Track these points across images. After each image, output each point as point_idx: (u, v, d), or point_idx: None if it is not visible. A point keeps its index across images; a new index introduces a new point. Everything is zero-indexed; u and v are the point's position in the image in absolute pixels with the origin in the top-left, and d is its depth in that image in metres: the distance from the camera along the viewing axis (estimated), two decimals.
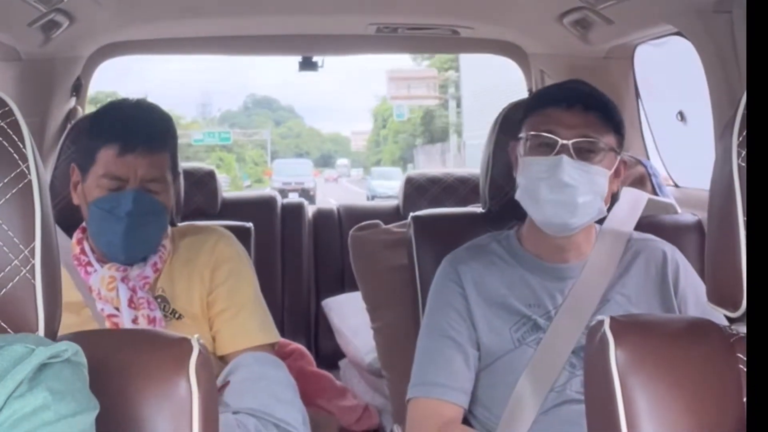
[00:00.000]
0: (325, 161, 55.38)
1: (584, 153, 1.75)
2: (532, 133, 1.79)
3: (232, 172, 36.20)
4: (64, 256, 1.73)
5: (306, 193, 27.06)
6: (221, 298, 1.88)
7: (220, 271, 1.89)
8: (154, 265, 1.86)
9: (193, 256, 1.90)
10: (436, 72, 32.57)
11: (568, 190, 1.73)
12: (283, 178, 30.90)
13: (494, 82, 17.97)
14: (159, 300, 1.84)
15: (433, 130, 33.62)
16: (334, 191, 32.54)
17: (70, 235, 1.90)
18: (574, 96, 1.79)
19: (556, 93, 1.83)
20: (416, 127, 36.13)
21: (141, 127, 1.82)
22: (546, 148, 1.76)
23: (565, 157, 1.73)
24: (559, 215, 1.76)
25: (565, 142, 1.74)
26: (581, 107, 1.77)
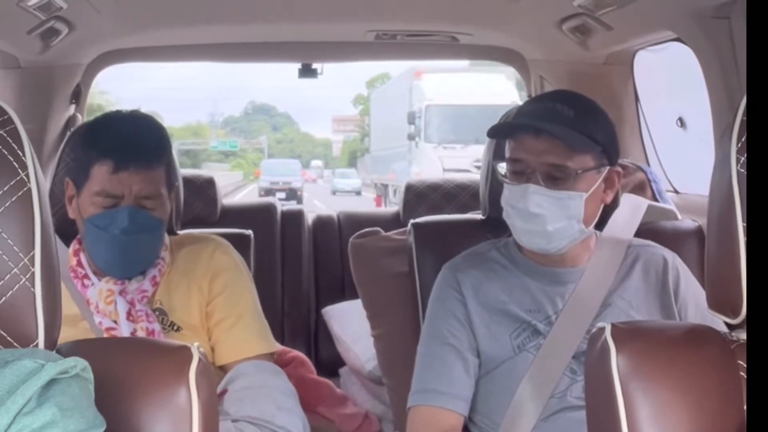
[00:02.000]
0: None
1: (553, 180, 1.73)
2: (508, 157, 1.79)
3: (245, 170, 50.56)
4: (61, 267, 1.72)
5: (294, 193, 28.89)
6: (219, 308, 1.87)
7: (217, 281, 1.88)
8: (152, 279, 1.85)
9: (190, 267, 1.89)
10: (359, 115, 56.86)
11: (537, 219, 1.74)
12: (271, 177, 32.13)
13: (390, 121, 23.37)
14: (157, 313, 1.83)
15: (363, 148, 53.07)
16: (311, 189, 38.15)
17: (68, 244, 1.90)
18: (541, 120, 1.75)
19: (525, 118, 1.81)
20: (358, 145, 57.12)
21: (135, 142, 1.80)
22: (519, 175, 1.76)
23: (531, 186, 1.72)
24: (534, 242, 1.77)
25: (533, 169, 1.73)
26: (549, 132, 1.73)
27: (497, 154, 2.02)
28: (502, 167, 1.80)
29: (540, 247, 1.77)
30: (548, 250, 1.77)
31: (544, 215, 1.73)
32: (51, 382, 0.90)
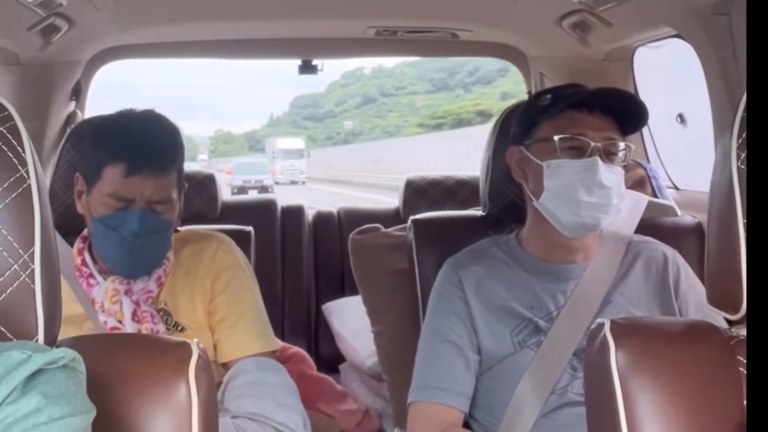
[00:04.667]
0: None
1: (608, 155, 1.75)
2: (563, 136, 1.75)
3: None
4: (65, 265, 1.70)
5: (265, 190, 31.13)
6: (221, 306, 1.87)
7: (220, 279, 1.88)
8: (158, 279, 1.84)
9: (194, 266, 1.89)
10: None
11: (604, 191, 1.73)
12: (243, 176, 34.48)
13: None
14: (161, 313, 1.83)
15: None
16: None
17: (69, 240, 1.89)
18: (593, 99, 1.77)
19: (575, 96, 1.79)
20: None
21: (148, 146, 1.77)
22: (575, 151, 1.75)
23: (598, 160, 1.72)
24: (595, 216, 1.74)
25: (596, 144, 1.73)
26: (600, 110, 1.76)
27: (498, 148, 2.02)
28: (564, 140, 1.75)
29: (597, 222, 1.75)
30: (601, 225, 1.76)
31: (611, 187, 1.73)
32: (37, 372, 0.89)
